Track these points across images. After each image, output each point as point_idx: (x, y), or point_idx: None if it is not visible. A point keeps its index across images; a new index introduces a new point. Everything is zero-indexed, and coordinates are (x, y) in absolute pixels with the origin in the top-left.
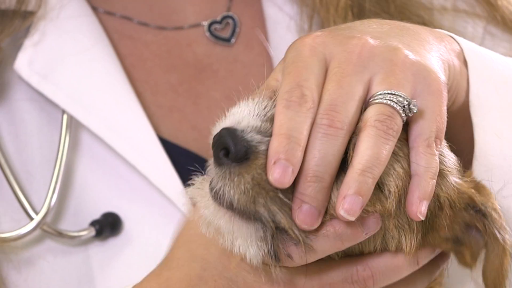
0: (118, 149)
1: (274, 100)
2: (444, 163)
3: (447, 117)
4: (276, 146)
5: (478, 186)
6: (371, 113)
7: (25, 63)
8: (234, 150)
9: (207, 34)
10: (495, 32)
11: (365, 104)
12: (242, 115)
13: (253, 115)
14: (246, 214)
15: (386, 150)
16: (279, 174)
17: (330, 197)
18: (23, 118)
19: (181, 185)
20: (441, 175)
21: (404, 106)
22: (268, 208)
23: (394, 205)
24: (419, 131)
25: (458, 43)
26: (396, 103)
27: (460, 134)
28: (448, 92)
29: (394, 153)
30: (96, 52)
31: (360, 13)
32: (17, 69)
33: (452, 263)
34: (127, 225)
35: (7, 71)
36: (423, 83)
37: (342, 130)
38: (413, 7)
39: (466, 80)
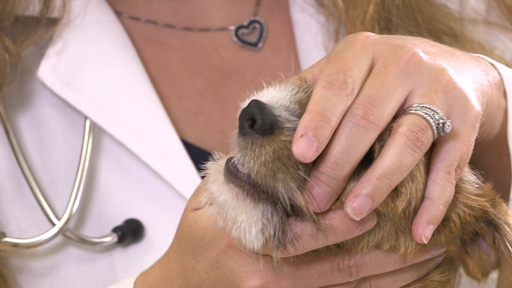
0: (141, 155)
1: (304, 88)
2: (461, 187)
3: (482, 148)
4: (307, 120)
5: (495, 201)
6: (405, 121)
7: (49, 70)
8: (260, 121)
9: (234, 38)
10: None
11: (400, 111)
12: (272, 94)
13: (283, 95)
14: (263, 188)
15: (410, 161)
16: (304, 148)
17: (345, 187)
18: (48, 124)
19: None
20: (456, 198)
21: (438, 124)
22: (287, 184)
23: (402, 208)
24: (443, 155)
25: (499, 72)
26: (432, 118)
27: (496, 165)
28: (483, 125)
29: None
30: (120, 58)
31: (386, 27)
32: (41, 76)
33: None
34: (149, 231)
35: (31, 78)
36: (459, 110)
37: (374, 124)
38: (442, 18)
39: (503, 112)
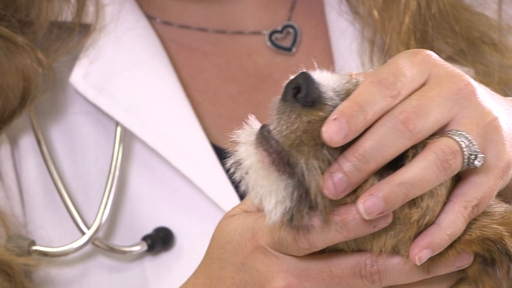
0: (173, 162)
1: (354, 81)
2: (487, 212)
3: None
4: (345, 106)
5: None
6: (441, 141)
7: (81, 76)
8: (305, 91)
9: (268, 43)
10: None
11: (438, 132)
12: (323, 74)
13: (333, 78)
14: (283, 158)
15: (432, 178)
16: (333, 131)
17: (363, 184)
18: (80, 132)
19: (236, 197)
20: (481, 220)
21: (471, 155)
22: (309, 160)
23: (416, 217)
24: (465, 190)
25: None
26: (466, 146)
27: None
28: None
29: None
30: (152, 64)
31: (423, 39)
32: (73, 83)
33: None
34: (179, 239)
35: (63, 86)
36: (494, 153)
37: (411, 133)
38: (480, 27)
39: None
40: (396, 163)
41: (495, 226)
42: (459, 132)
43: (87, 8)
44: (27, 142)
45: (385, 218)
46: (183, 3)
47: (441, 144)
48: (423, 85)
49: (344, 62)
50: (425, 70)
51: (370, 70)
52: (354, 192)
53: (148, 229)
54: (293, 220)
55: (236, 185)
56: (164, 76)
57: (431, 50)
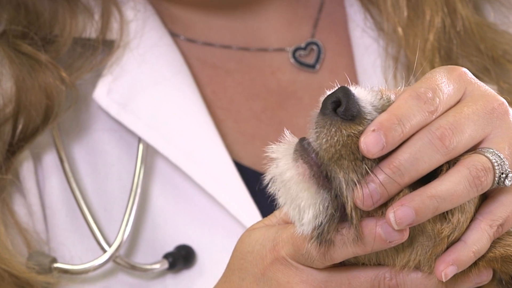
0: (196, 178)
1: (388, 97)
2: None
3: None
4: (384, 119)
5: None
6: (473, 158)
7: (104, 93)
8: (345, 106)
9: (292, 60)
10: None
11: (471, 150)
12: (360, 90)
13: (369, 93)
14: (322, 172)
15: (464, 194)
16: (371, 142)
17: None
18: (103, 149)
19: (258, 214)
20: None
21: (502, 173)
22: (348, 174)
23: (447, 233)
24: (492, 208)
25: None
26: (498, 165)
27: None
28: None
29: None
30: (175, 81)
31: (447, 56)
32: (96, 99)
33: None
34: (200, 257)
35: (87, 103)
36: None
37: (446, 149)
38: (505, 45)
39: None
40: (428, 179)
41: None
42: (491, 150)
43: (111, 24)
44: (50, 160)
45: (401, 234)
46: (208, 19)
47: (474, 160)
48: (458, 102)
49: (368, 78)
50: (461, 88)
51: (399, 88)
52: (384, 205)
53: (170, 247)
54: (322, 234)
55: (261, 200)
56: (187, 93)
57: None
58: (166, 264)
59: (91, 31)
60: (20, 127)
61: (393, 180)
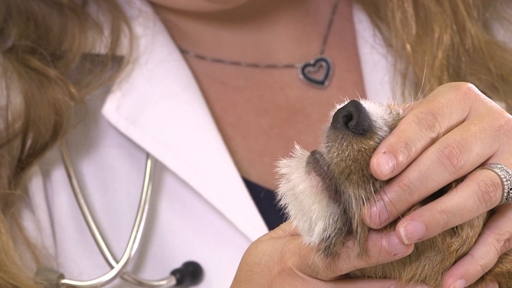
0: (204, 194)
1: (396, 112)
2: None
3: None
4: (393, 142)
5: None
6: (482, 173)
7: (113, 108)
8: (356, 120)
9: (301, 76)
10: None
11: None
12: (370, 104)
13: (380, 108)
14: (333, 185)
15: (473, 208)
16: (382, 163)
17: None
18: (112, 165)
19: (266, 230)
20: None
21: (510, 189)
22: (357, 189)
23: (456, 247)
24: (499, 224)
25: None
26: (507, 181)
27: None
28: None
29: None
30: (184, 98)
31: (456, 74)
32: (105, 114)
33: None
34: (208, 273)
35: (96, 118)
36: None
37: (454, 168)
38: None
39: None
40: (436, 198)
41: None
42: (500, 166)
43: (121, 40)
44: (59, 175)
45: (405, 247)
46: (217, 35)
47: (483, 176)
48: (462, 121)
49: (376, 95)
50: (465, 107)
51: (408, 104)
52: (393, 222)
53: (177, 263)
54: (329, 247)
55: (270, 217)
56: (196, 109)
57: None
58: (173, 281)
59: (101, 47)
60: (29, 142)
61: (403, 198)
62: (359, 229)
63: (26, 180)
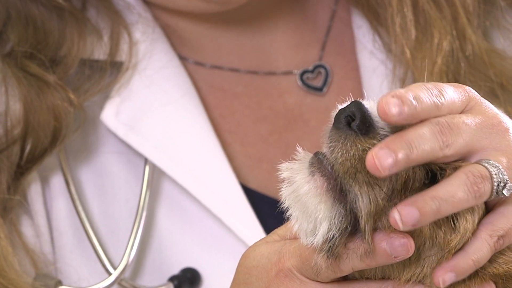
0: (203, 200)
1: None
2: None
3: None
4: (402, 91)
5: None
6: (472, 166)
7: (112, 114)
8: (359, 119)
9: (299, 83)
10: None
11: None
12: (372, 104)
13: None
14: (338, 186)
15: (463, 198)
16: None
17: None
18: (111, 172)
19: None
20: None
21: (500, 183)
22: (361, 188)
23: (455, 243)
24: (492, 220)
25: None
26: (495, 175)
27: None
28: None
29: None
30: (183, 104)
31: (455, 80)
32: (104, 120)
33: None
34: (206, 280)
35: (95, 124)
36: None
37: (443, 143)
38: None
39: None
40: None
41: None
42: (489, 161)
43: (120, 46)
44: (57, 182)
45: (406, 249)
46: (216, 41)
47: (472, 168)
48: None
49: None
50: (464, 100)
51: None
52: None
53: (175, 270)
54: (332, 248)
55: (267, 223)
56: (194, 115)
57: None
58: (171, 287)
59: (100, 52)
60: (28, 148)
61: (405, 154)
62: (366, 228)
63: (25, 186)
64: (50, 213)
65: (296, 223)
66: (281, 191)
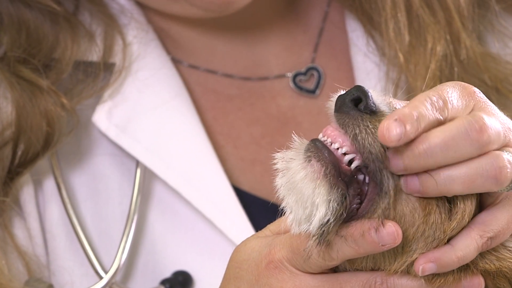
0: (194, 202)
1: (389, 102)
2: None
3: None
4: (406, 112)
5: None
6: (492, 153)
7: (104, 116)
8: (366, 102)
9: (292, 85)
10: None
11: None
12: (373, 89)
13: (381, 94)
14: (335, 170)
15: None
16: (391, 128)
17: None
18: (104, 174)
19: None
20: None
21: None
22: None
23: (451, 228)
24: (485, 220)
25: None
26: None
27: None
28: None
29: None
30: (174, 105)
31: None
32: (96, 122)
33: None
34: (198, 283)
35: (87, 127)
36: None
37: (479, 144)
38: (509, 77)
39: None
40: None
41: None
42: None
43: (113, 48)
44: (50, 185)
45: (393, 238)
46: (211, 45)
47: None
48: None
49: None
50: (469, 104)
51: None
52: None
53: (167, 273)
54: (324, 234)
55: (260, 225)
56: (186, 117)
57: None
58: None
59: (93, 55)
60: (19, 152)
61: (419, 162)
62: (390, 187)
63: (17, 189)
64: (43, 216)
65: (290, 214)
66: (275, 181)
